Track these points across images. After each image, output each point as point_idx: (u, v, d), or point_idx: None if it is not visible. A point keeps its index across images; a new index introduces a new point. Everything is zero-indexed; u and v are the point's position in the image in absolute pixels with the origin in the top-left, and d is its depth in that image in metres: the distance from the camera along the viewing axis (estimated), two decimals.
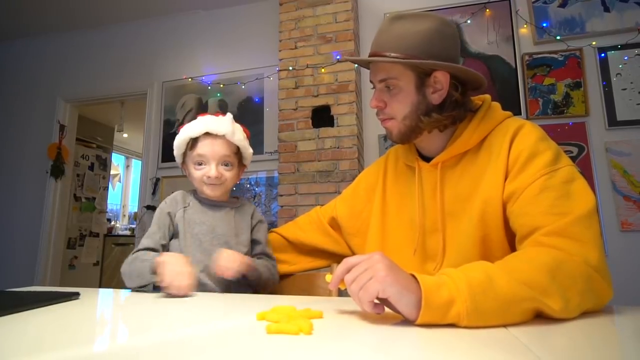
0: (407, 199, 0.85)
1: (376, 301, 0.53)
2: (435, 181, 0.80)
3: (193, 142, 0.93)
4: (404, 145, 0.89)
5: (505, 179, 0.71)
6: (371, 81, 0.83)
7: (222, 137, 0.93)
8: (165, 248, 0.91)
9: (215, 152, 0.92)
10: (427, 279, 0.51)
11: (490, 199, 0.72)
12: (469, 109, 0.81)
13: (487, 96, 0.83)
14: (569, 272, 0.55)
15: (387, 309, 0.54)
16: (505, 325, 0.50)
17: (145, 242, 0.90)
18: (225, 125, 0.93)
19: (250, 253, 0.96)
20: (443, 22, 0.77)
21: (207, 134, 0.92)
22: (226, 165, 0.94)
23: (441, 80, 0.76)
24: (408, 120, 0.78)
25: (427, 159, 0.83)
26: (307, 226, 1.02)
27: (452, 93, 0.77)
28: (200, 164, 0.93)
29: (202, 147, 0.92)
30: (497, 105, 0.81)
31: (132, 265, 0.85)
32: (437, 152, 0.81)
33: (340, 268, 0.57)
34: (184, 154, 0.97)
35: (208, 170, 0.91)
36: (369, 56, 0.80)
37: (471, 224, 0.73)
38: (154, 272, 0.78)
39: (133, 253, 0.89)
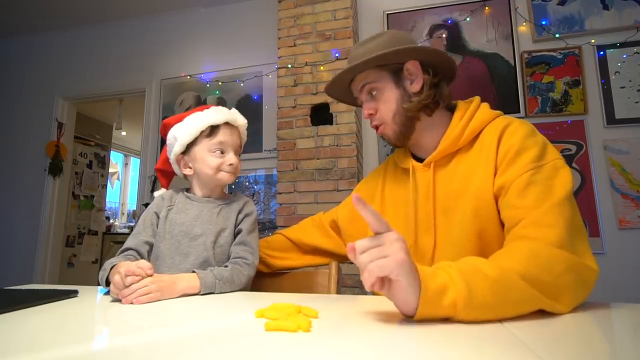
0: (403, 200, 0.87)
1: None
2: (428, 181, 0.82)
3: (212, 130, 0.93)
4: (399, 150, 0.94)
5: (495, 174, 0.74)
6: (356, 97, 0.89)
7: (237, 128, 0.96)
8: (152, 246, 0.90)
9: (234, 142, 0.94)
10: (423, 267, 0.53)
11: (482, 194, 0.74)
12: (451, 98, 0.87)
13: (477, 97, 0.87)
14: (546, 267, 0.56)
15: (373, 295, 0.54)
16: (501, 321, 0.50)
17: (127, 242, 0.89)
18: (241, 117, 0.98)
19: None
20: (397, 31, 0.88)
21: (226, 123, 0.94)
22: (238, 156, 0.96)
23: (412, 69, 0.83)
24: (397, 116, 0.83)
25: (422, 161, 0.86)
26: (309, 228, 1.05)
27: (426, 77, 0.83)
28: (220, 152, 0.93)
29: (224, 135, 0.93)
30: (486, 105, 0.85)
31: (100, 273, 0.82)
32: (430, 151, 0.84)
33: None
34: (191, 143, 0.93)
35: (230, 158, 0.92)
36: (346, 81, 0.88)
37: (465, 218, 0.75)
38: (108, 283, 0.77)
39: (118, 253, 0.87)
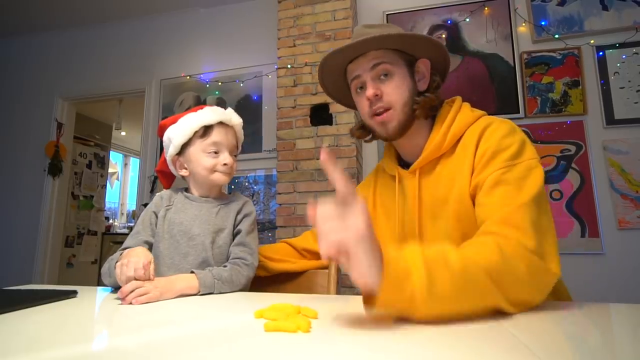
0: (392, 208, 0.87)
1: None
2: (415, 187, 0.82)
3: (206, 130, 0.92)
4: (387, 157, 0.93)
5: (472, 175, 0.73)
6: (357, 76, 0.82)
7: (232, 128, 0.95)
8: (151, 246, 0.89)
9: (228, 142, 0.93)
10: (387, 249, 0.50)
11: (462, 197, 0.74)
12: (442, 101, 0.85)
13: (458, 98, 0.86)
14: (510, 267, 0.55)
15: None
16: (499, 320, 0.50)
17: (127, 242, 0.88)
18: (236, 117, 0.97)
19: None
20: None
21: (220, 123, 0.93)
22: (234, 156, 0.95)
23: (423, 68, 0.83)
24: (407, 106, 0.80)
25: (409, 166, 0.85)
26: (310, 237, 1.05)
27: (434, 78, 0.83)
28: (214, 152, 0.92)
29: (218, 135, 0.92)
30: (467, 106, 0.84)
31: (106, 264, 0.84)
32: (417, 155, 0.83)
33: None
34: (185, 144, 0.93)
35: (224, 158, 0.91)
36: (349, 57, 0.82)
37: (448, 224, 0.75)
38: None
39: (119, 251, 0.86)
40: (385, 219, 0.89)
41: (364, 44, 0.77)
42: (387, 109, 0.80)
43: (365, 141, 0.92)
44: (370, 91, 0.79)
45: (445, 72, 0.88)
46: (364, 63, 0.80)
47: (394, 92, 0.79)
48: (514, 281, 0.54)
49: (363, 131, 0.90)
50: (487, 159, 0.71)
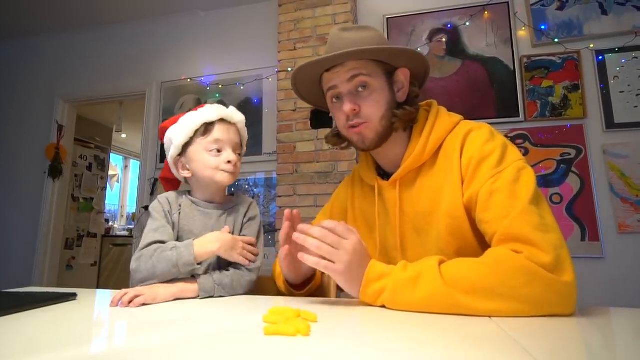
0: (373, 219, 0.85)
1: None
2: (395, 199, 0.80)
3: (207, 128, 0.88)
4: (363, 165, 0.90)
5: (462, 186, 0.72)
6: (333, 87, 0.79)
7: (234, 125, 0.93)
8: None
9: (231, 139, 0.90)
10: (374, 270, 0.65)
11: (454, 211, 0.72)
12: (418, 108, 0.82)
13: (434, 102, 0.84)
14: (502, 278, 0.57)
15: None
16: (501, 326, 0.50)
17: (154, 235, 0.82)
18: (238, 114, 0.94)
19: None
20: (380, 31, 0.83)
21: (221, 120, 0.90)
22: (239, 155, 0.91)
23: (402, 78, 0.80)
24: (385, 120, 0.77)
25: (388, 175, 0.83)
26: None
27: (412, 89, 0.81)
28: (217, 151, 0.88)
29: (220, 132, 0.88)
30: (443, 111, 0.82)
31: (156, 258, 0.78)
32: (396, 164, 0.81)
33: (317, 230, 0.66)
34: (186, 144, 0.90)
35: (227, 156, 0.87)
36: (325, 66, 0.77)
37: (441, 239, 0.73)
38: (191, 262, 0.77)
39: (140, 250, 0.81)
40: (367, 232, 0.87)
41: (343, 56, 0.74)
42: (364, 122, 0.77)
43: (341, 148, 0.89)
44: (347, 107, 0.76)
45: (424, 81, 0.85)
46: (342, 74, 0.76)
47: (372, 107, 0.76)
48: (508, 292, 0.55)
49: (338, 139, 0.86)
50: (474, 168, 0.70)
